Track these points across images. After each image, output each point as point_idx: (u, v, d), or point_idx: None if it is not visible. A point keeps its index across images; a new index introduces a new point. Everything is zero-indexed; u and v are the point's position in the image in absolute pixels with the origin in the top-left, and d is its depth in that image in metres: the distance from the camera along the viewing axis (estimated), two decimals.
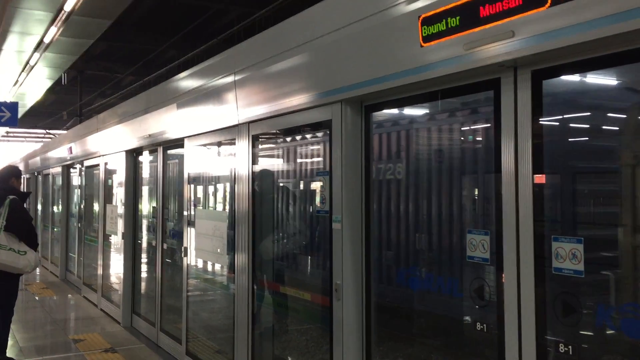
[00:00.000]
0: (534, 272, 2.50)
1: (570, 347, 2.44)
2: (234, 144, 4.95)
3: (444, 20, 2.73)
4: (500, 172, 2.66)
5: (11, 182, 6.27)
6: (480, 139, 3.44)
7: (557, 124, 2.77)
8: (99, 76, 19.47)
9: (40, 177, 15.53)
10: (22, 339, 7.11)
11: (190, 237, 5.92)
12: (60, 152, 12.28)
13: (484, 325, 2.88)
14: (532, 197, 2.53)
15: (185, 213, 6.04)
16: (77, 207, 11.37)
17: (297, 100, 3.95)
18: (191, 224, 5.89)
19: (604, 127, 2.92)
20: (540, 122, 2.54)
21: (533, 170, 2.54)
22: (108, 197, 9.11)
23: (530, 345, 2.51)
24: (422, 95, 3.17)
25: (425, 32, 2.82)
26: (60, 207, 12.67)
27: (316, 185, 4.11)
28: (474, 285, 2.98)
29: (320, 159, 4.45)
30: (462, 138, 3.61)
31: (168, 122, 6.31)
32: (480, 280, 2.92)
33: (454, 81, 2.91)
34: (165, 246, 6.96)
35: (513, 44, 2.44)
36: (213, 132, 5.36)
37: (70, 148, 11.30)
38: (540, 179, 2.55)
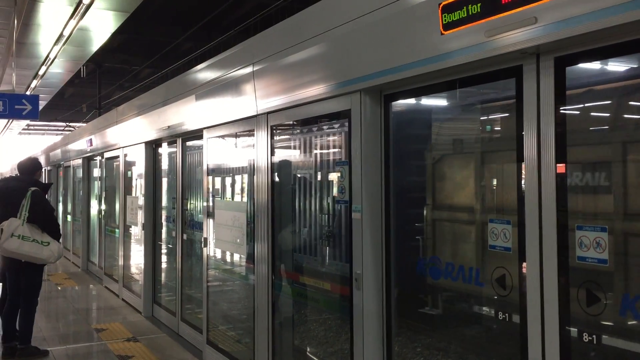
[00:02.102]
0: (557, 261, 2.48)
1: (594, 336, 2.42)
2: (253, 134, 4.96)
3: (464, 7, 2.70)
4: (523, 161, 2.64)
5: (36, 175, 6.39)
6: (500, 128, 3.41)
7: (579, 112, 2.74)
8: (117, 69, 19.63)
9: (61, 169, 15.73)
10: (46, 328, 7.23)
11: (209, 227, 5.96)
12: (81, 145, 12.41)
13: (506, 315, 2.87)
14: (555, 185, 2.50)
15: (204, 204, 6.08)
16: (98, 199, 11.50)
17: (316, 90, 3.94)
18: (211, 214, 5.93)
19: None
20: (563, 110, 2.51)
21: (556, 159, 2.51)
22: (128, 188, 9.20)
23: (554, 334, 2.49)
24: (442, 83, 3.15)
25: (445, 20, 2.80)
26: (81, 198, 12.82)
27: (335, 176, 4.11)
28: (495, 275, 2.96)
29: (339, 149, 4.45)
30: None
31: (187, 113, 6.34)
32: (502, 270, 2.91)
33: (475, 69, 2.88)
34: (185, 237, 7.02)
35: (536, 31, 2.41)
36: (232, 123, 5.38)
37: (90, 140, 11.42)
38: (562, 168, 2.52)
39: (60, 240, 6.16)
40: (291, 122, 4.68)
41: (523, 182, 2.65)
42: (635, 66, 2.54)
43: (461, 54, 2.77)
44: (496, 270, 2.95)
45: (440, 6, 2.81)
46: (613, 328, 2.49)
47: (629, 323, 2.44)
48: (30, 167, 6.38)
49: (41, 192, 6.11)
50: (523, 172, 2.64)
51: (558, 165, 2.51)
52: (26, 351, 5.99)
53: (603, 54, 2.40)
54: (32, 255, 5.79)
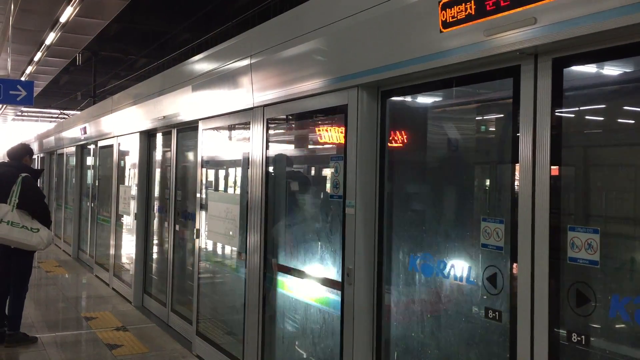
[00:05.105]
0: (548, 261, 2.49)
1: (583, 337, 2.43)
2: (249, 127, 4.95)
3: (464, 5, 2.69)
4: (518, 162, 2.65)
5: (24, 161, 6.34)
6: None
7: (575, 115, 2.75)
8: (113, 57, 19.54)
9: (54, 157, 15.65)
10: (35, 315, 7.21)
11: (202, 219, 5.95)
12: (75, 132, 12.35)
13: (496, 313, 2.88)
14: (549, 187, 2.51)
15: (198, 195, 6.07)
16: (90, 187, 11.46)
17: (313, 84, 3.94)
18: (204, 206, 5.92)
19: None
20: (560, 112, 2.52)
21: (551, 161, 2.52)
22: (121, 177, 9.17)
23: (543, 334, 2.51)
24: (440, 81, 3.15)
25: (444, 17, 2.79)
26: (73, 186, 12.76)
27: (330, 171, 4.10)
28: (487, 273, 2.97)
29: (334, 145, 4.44)
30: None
31: (182, 104, 6.32)
32: (494, 268, 2.92)
33: (473, 68, 2.88)
34: (177, 227, 7.00)
35: (535, 31, 2.41)
36: (227, 115, 5.37)
37: (85, 128, 11.36)
38: (556, 170, 2.53)
39: (51, 227, 6.14)
40: (288, 116, 4.67)
41: (517, 182, 2.66)
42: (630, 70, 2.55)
43: (459, 53, 2.78)
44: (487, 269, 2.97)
45: (440, 4, 2.81)
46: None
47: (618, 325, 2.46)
48: (18, 153, 6.34)
49: (32, 178, 6.07)
50: (517, 172, 2.65)
51: (552, 167, 2.52)
52: (15, 337, 5.97)
53: (601, 57, 2.41)
54: (21, 241, 5.76)
